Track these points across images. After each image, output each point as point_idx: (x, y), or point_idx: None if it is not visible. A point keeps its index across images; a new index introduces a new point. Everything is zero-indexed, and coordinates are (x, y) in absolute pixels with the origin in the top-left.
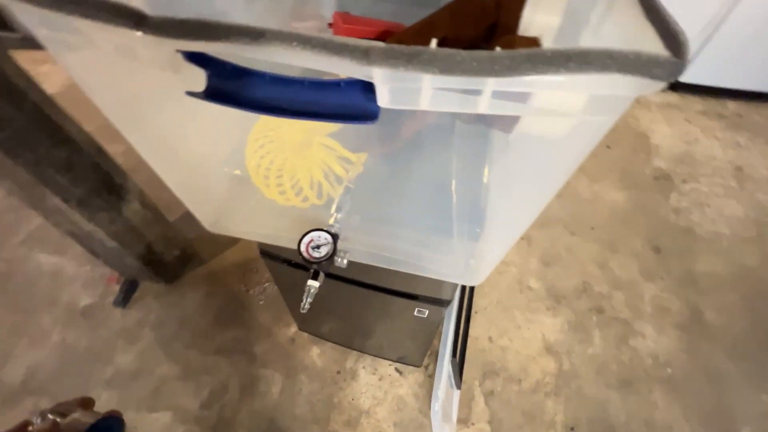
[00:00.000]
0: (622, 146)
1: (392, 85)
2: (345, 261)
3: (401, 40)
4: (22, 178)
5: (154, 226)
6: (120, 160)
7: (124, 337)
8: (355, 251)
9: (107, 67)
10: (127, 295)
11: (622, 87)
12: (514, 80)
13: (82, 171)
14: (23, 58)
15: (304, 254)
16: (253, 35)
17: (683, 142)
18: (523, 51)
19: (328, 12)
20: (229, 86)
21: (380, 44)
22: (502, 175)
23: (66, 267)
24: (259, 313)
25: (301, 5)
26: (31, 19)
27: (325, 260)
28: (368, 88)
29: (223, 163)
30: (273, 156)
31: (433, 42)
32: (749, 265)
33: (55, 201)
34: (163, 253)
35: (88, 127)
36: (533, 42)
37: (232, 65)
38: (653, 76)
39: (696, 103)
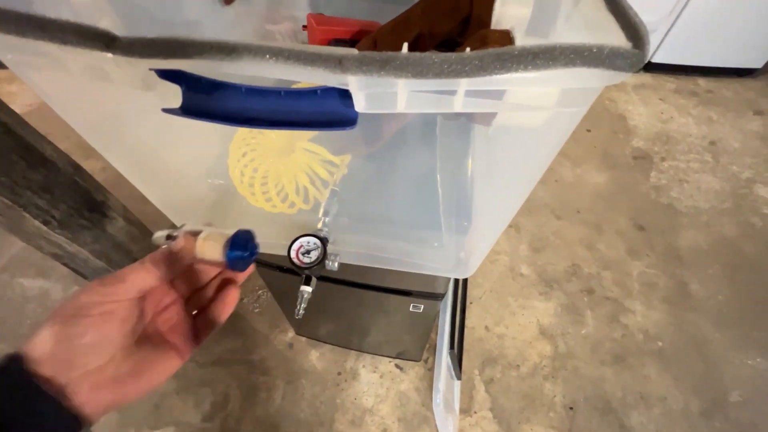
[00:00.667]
0: (602, 129)
1: (368, 91)
2: (336, 264)
3: (376, 39)
4: None
5: (140, 241)
6: (99, 176)
7: None
8: (346, 253)
9: (78, 88)
10: None
11: (588, 79)
12: (486, 79)
13: (61, 191)
14: None
15: (295, 260)
16: (226, 50)
17: (659, 121)
18: (491, 51)
19: (302, 13)
20: (206, 101)
21: (353, 52)
22: (486, 167)
23: (52, 290)
24: (255, 321)
25: (275, 8)
26: None
27: (315, 265)
28: (345, 94)
29: (207, 173)
30: (256, 164)
31: (405, 46)
32: (728, 235)
33: (35, 224)
34: None
35: (63, 144)
36: (505, 35)
37: (206, 80)
38: (616, 68)
39: (669, 82)
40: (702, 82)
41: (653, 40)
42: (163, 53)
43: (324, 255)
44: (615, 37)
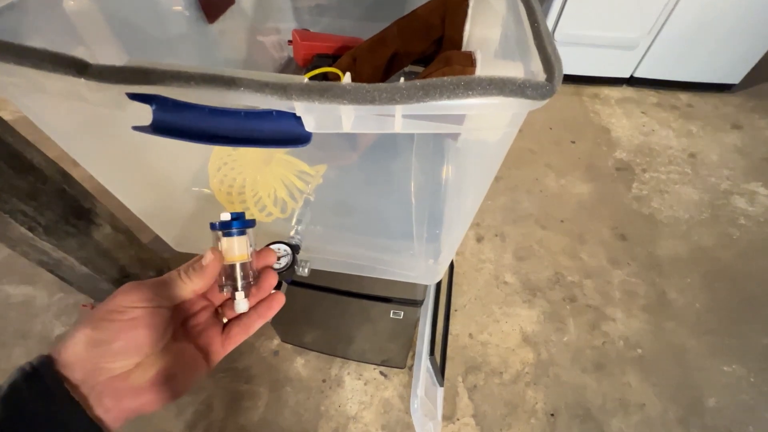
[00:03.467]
0: (586, 141)
1: (314, 114)
2: (306, 270)
3: (356, 56)
4: None
5: (127, 249)
6: (89, 184)
7: None
8: (318, 259)
9: (57, 105)
10: None
11: (506, 106)
12: (416, 106)
13: (48, 198)
14: None
15: None
16: (185, 79)
17: (641, 133)
18: (419, 82)
19: (289, 25)
20: (173, 120)
21: (298, 81)
22: (455, 177)
23: (37, 297)
24: None
25: (262, 21)
26: None
27: (285, 270)
28: (297, 116)
29: (188, 182)
30: (235, 173)
31: (347, 76)
32: (706, 245)
33: (21, 230)
34: (139, 275)
35: (53, 152)
36: (468, 56)
37: (173, 100)
38: (528, 97)
39: (651, 96)
40: (683, 96)
41: (634, 56)
42: (130, 80)
43: (293, 262)
44: (535, 68)
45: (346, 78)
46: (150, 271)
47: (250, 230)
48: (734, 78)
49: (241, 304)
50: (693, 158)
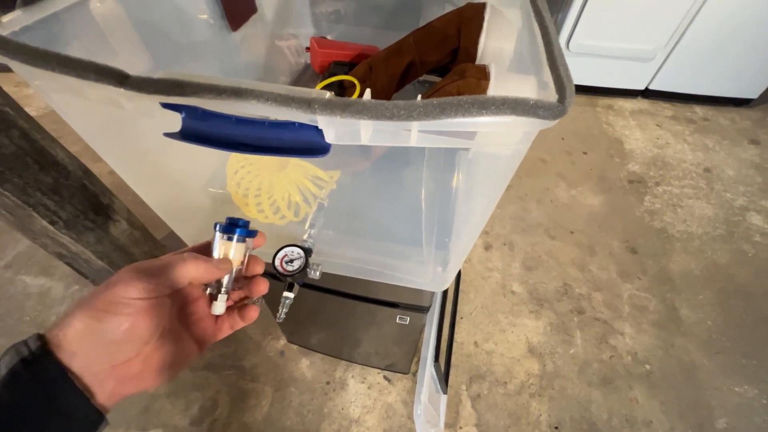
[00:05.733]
0: (598, 152)
1: (335, 127)
2: (318, 273)
3: (372, 65)
4: (8, 203)
5: (141, 245)
6: (107, 179)
7: None
8: (329, 263)
9: (92, 110)
10: None
11: (518, 125)
12: (432, 123)
13: (69, 193)
14: (5, 80)
15: (278, 268)
16: (217, 92)
17: (655, 146)
18: (435, 100)
19: (307, 31)
20: (201, 127)
21: (322, 96)
22: (465, 188)
23: (54, 288)
24: (249, 327)
25: (281, 27)
26: (26, 73)
27: (297, 273)
28: (319, 128)
29: (206, 183)
30: (252, 176)
31: (367, 92)
32: (720, 262)
33: (43, 223)
34: None
35: (75, 147)
36: (481, 69)
37: (202, 109)
38: (540, 116)
39: (666, 108)
40: (699, 109)
41: (650, 68)
42: (166, 91)
43: (306, 264)
44: (547, 86)
45: (367, 94)
46: None
47: (249, 239)
48: (752, 93)
49: (219, 307)
50: (708, 173)
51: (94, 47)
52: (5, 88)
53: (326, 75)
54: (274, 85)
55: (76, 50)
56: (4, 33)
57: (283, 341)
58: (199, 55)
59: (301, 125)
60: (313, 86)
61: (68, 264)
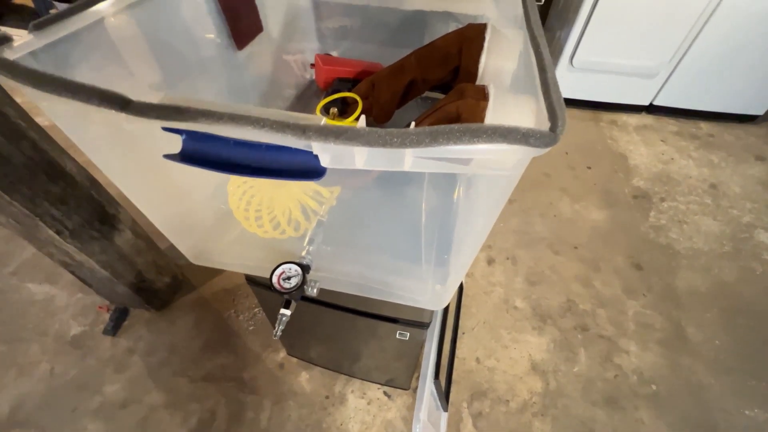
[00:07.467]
0: (602, 167)
1: (330, 152)
2: (315, 290)
3: (374, 83)
4: (16, 212)
5: (145, 254)
6: (113, 189)
7: (113, 366)
8: (327, 279)
9: (96, 130)
10: (117, 323)
11: (509, 152)
12: (424, 150)
13: (76, 203)
14: (20, 89)
15: (276, 285)
16: (215, 117)
17: (660, 161)
18: (428, 129)
19: (313, 46)
20: (201, 150)
21: (317, 123)
22: (465, 206)
23: (57, 296)
24: (249, 339)
25: (286, 43)
26: (34, 95)
27: (294, 290)
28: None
29: (207, 198)
30: (254, 191)
31: (362, 120)
32: (727, 280)
33: (49, 233)
34: (154, 280)
35: (82, 157)
36: (480, 90)
37: (202, 132)
38: (531, 145)
39: (671, 124)
40: (704, 125)
41: (654, 84)
42: (166, 116)
43: (303, 281)
44: (541, 116)
45: (361, 121)
46: (165, 277)
47: None
48: (758, 109)
49: None
50: (714, 189)
51: (107, 66)
52: (18, 97)
53: (330, 91)
54: (271, 111)
55: (88, 69)
56: (17, 55)
57: (282, 354)
58: (207, 72)
59: (298, 149)
60: (317, 102)
61: (72, 272)
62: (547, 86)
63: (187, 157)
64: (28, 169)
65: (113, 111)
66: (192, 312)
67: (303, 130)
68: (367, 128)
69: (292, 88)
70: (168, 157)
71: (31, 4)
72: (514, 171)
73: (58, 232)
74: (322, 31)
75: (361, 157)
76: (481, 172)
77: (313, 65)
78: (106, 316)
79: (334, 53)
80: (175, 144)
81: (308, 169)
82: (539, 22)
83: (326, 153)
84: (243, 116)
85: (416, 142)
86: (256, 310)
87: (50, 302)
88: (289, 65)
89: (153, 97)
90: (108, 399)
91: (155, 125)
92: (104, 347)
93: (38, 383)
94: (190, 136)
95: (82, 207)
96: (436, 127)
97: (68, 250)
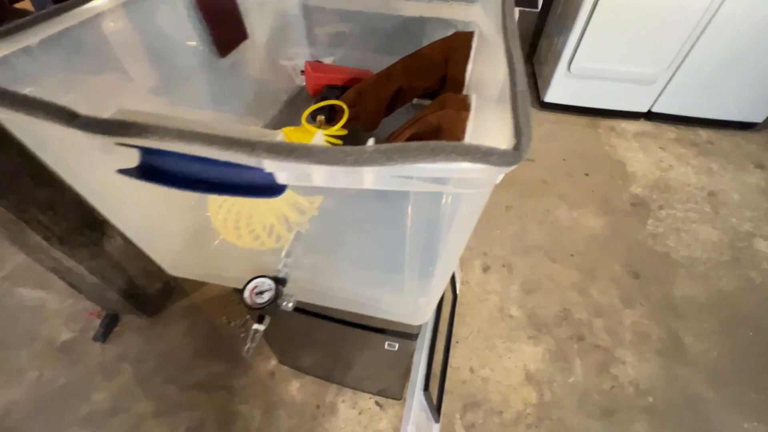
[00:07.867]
0: (600, 174)
1: (284, 170)
2: (290, 305)
3: (361, 91)
4: (4, 218)
5: (136, 260)
6: None
7: (102, 373)
8: (305, 292)
9: (53, 143)
10: (107, 330)
11: (471, 171)
12: (383, 168)
13: (64, 209)
14: None
15: (247, 300)
16: (162, 133)
17: (658, 169)
18: (383, 146)
19: (304, 51)
20: (155, 166)
21: (269, 140)
22: (451, 217)
23: (48, 302)
24: (240, 346)
25: (276, 51)
26: None
27: (267, 306)
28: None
29: (185, 209)
30: (232, 201)
31: (318, 136)
32: (726, 289)
33: (37, 239)
34: (146, 286)
35: None
36: (463, 100)
37: (155, 149)
38: (492, 164)
39: (669, 131)
40: (702, 132)
41: (652, 91)
42: (113, 131)
43: (277, 296)
44: (508, 134)
45: (316, 138)
46: (157, 284)
47: None
48: (757, 116)
49: None
50: (713, 197)
51: (83, 76)
52: None
53: (318, 98)
54: (222, 126)
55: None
56: None
57: (273, 362)
58: (190, 78)
59: (252, 167)
60: (306, 108)
61: (62, 278)
62: (516, 102)
63: (141, 172)
64: (14, 175)
65: (60, 126)
66: (184, 319)
67: (252, 147)
68: (321, 146)
69: (282, 95)
70: (122, 172)
71: (33, 8)
72: (481, 190)
73: (46, 238)
74: (314, 37)
75: (318, 175)
76: (447, 190)
77: (302, 72)
78: (97, 323)
79: (327, 60)
80: (134, 159)
81: (265, 186)
82: (516, 32)
83: (282, 170)
84: (191, 132)
85: (371, 160)
86: (248, 317)
87: (41, 308)
88: (279, 72)
89: (105, 112)
90: (96, 407)
91: (104, 142)
92: (94, 354)
93: (27, 390)
94: (144, 151)
95: (70, 213)
96: (392, 144)
97: (57, 257)
